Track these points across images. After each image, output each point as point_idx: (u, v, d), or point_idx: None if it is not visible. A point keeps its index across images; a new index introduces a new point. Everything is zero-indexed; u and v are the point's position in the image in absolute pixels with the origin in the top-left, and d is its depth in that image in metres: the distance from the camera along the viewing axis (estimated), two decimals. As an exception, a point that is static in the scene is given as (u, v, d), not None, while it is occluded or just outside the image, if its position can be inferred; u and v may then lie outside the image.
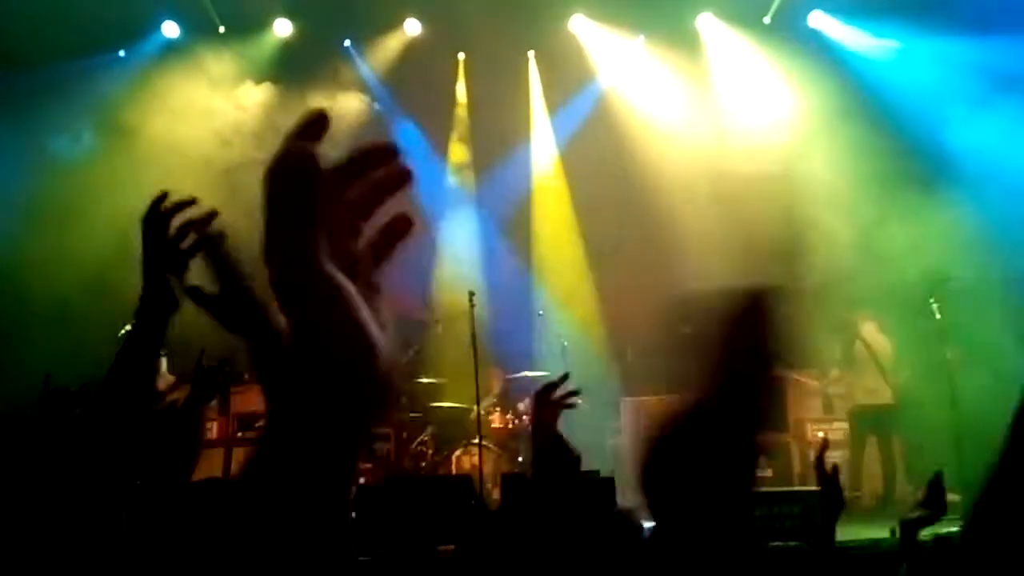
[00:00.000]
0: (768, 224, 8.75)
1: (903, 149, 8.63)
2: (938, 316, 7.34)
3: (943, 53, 8.84)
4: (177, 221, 1.67)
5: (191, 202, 1.69)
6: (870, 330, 8.08)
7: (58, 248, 8.33)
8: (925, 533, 3.11)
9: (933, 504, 2.64)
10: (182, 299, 1.67)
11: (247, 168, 9.24)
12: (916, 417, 7.99)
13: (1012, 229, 7.75)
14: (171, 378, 7.33)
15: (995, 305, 7.74)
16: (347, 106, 9.94)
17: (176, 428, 2.67)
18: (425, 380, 8.69)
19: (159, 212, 1.67)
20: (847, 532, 5.63)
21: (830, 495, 2.62)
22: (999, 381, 7.42)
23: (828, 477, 2.63)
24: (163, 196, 1.68)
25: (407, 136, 10.18)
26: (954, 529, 5.52)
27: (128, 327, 6.27)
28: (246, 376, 7.95)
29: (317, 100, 9.72)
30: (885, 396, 7.97)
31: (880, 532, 5.50)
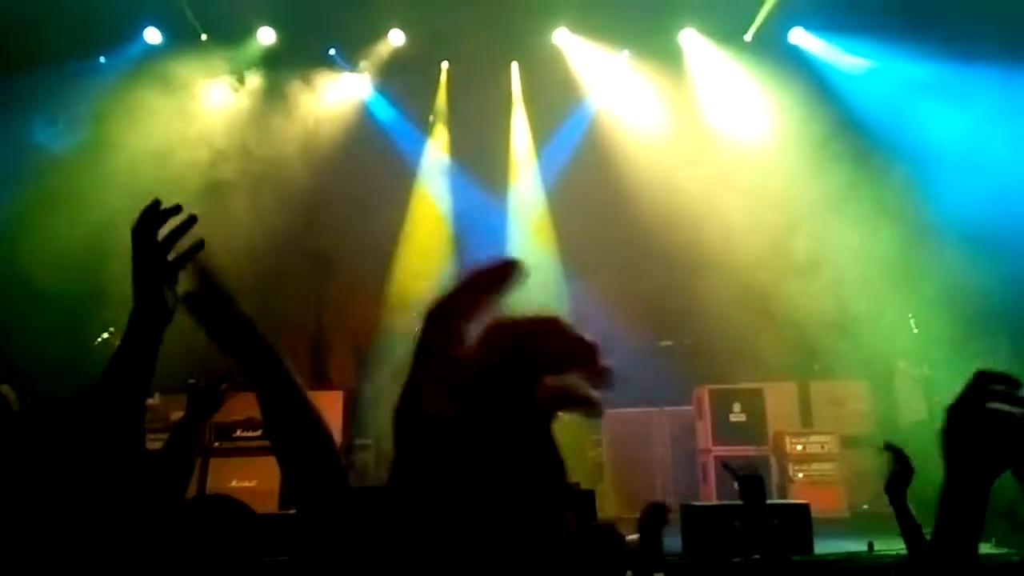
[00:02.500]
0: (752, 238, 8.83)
1: (881, 163, 8.73)
2: (915, 331, 7.41)
3: (921, 71, 8.96)
4: (165, 230, 1.63)
5: (177, 209, 1.64)
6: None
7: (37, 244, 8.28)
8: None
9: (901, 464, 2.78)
10: (175, 309, 1.64)
11: (232, 187, 9.21)
12: (893, 431, 8.06)
13: (989, 235, 7.84)
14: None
15: (970, 320, 7.83)
16: (335, 112, 9.95)
17: (172, 446, 2.65)
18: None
19: (150, 221, 1.62)
20: (828, 546, 5.66)
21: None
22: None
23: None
24: (155, 204, 1.63)
25: (397, 137, 10.24)
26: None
27: (106, 334, 6.20)
28: (224, 387, 7.89)
29: (303, 106, 9.72)
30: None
31: (858, 545, 5.53)
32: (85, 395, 1.66)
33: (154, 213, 1.62)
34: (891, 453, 2.79)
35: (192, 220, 1.63)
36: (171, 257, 1.62)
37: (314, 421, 1.63)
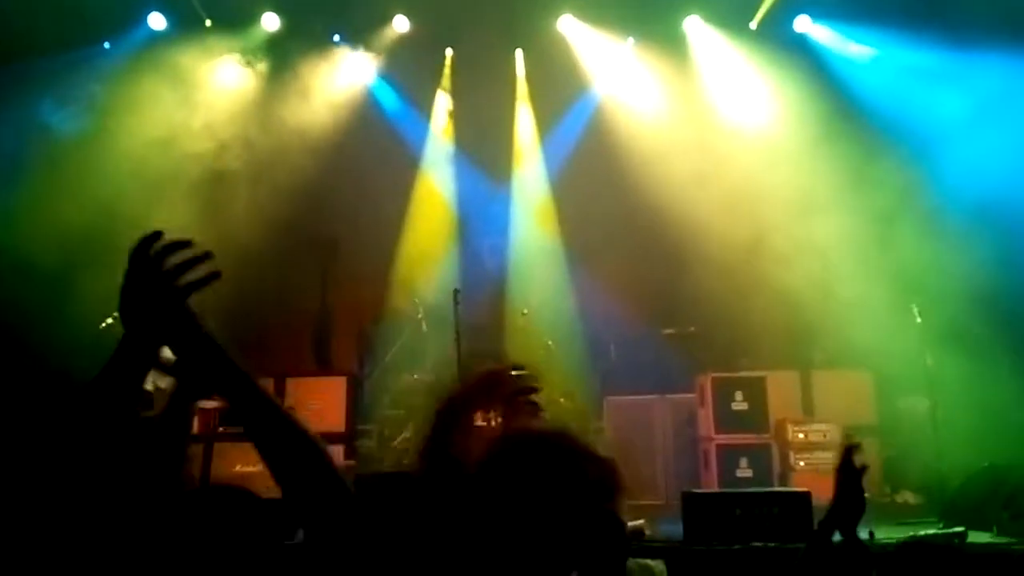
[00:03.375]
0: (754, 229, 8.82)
1: (887, 151, 8.71)
2: (919, 320, 7.40)
3: (927, 58, 8.92)
4: (176, 259, 1.57)
5: (188, 244, 1.58)
6: None
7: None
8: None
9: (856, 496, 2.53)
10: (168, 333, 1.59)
11: (236, 173, 9.21)
12: (896, 421, 8.09)
13: (995, 224, 7.84)
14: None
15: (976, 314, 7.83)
16: (339, 98, 9.94)
17: (162, 426, 2.63)
18: (408, 377, 8.69)
19: (150, 253, 1.56)
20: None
21: (851, 497, 2.49)
22: (977, 386, 7.53)
23: (853, 477, 2.49)
24: (156, 235, 1.57)
25: (401, 123, 10.25)
26: (925, 532, 5.59)
27: (110, 319, 6.23)
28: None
29: (308, 92, 9.71)
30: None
31: (860, 534, 5.53)
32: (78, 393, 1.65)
33: (149, 244, 1.57)
34: (845, 485, 2.52)
35: (207, 256, 1.58)
36: (180, 283, 1.56)
37: (310, 449, 1.59)
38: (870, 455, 8.34)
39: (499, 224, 10.40)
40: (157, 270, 1.56)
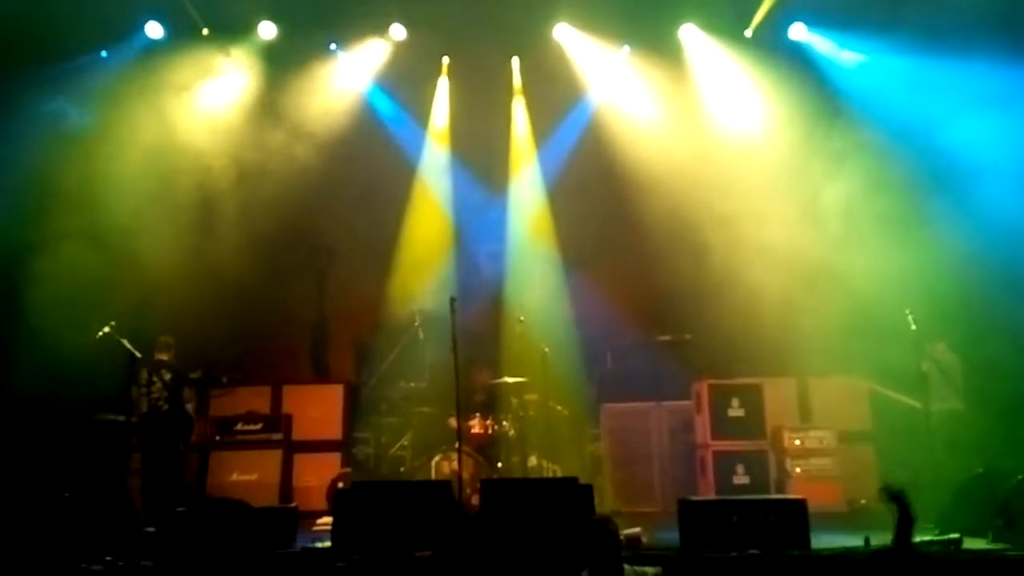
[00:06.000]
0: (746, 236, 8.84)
1: (883, 159, 8.73)
2: (913, 327, 7.41)
3: (920, 66, 8.95)
4: None
5: None
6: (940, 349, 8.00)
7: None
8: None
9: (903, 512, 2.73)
10: None
11: (234, 181, 9.22)
12: (893, 425, 8.10)
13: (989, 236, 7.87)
14: None
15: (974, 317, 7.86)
16: (336, 106, 9.95)
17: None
18: (404, 384, 8.69)
19: None
20: (824, 541, 5.68)
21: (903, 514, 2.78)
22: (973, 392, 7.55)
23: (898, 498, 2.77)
24: None
25: (397, 130, 10.29)
26: (921, 538, 5.60)
27: (107, 328, 6.23)
28: (225, 380, 7.93)
29: (304, 100, 9.72)
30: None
31: (855, 540, 5.55)
32: None
33: None
34: (894, 503, 2.72)
35: None
36: None
37: None
38: (865, 461, 8.37)
39: (496, 232, 10.40)
40: None
